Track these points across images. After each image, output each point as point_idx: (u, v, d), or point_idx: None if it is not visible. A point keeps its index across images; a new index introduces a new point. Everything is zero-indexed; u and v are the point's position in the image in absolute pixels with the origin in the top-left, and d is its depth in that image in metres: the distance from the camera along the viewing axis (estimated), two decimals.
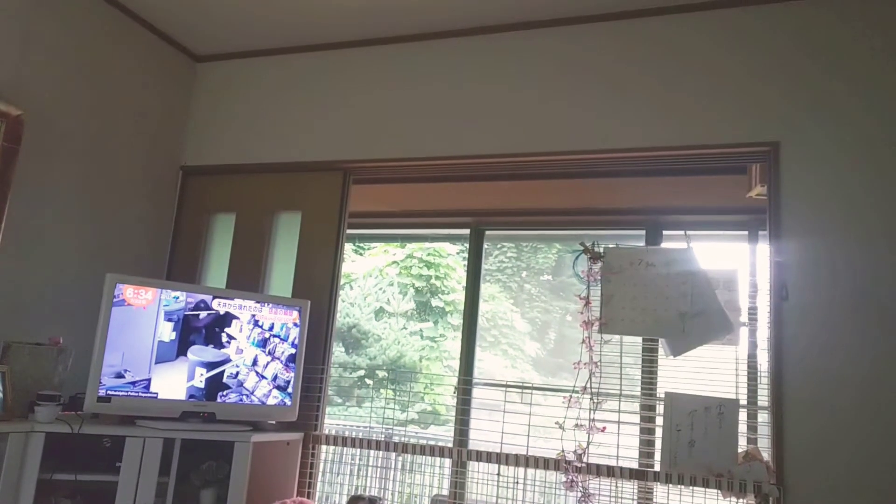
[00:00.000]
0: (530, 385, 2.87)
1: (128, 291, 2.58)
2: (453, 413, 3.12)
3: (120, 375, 2.53)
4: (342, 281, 3.28)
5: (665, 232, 3.21)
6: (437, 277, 6.71)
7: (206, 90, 3.57)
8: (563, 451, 2.60)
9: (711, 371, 2.56)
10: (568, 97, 2.88)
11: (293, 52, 3.40)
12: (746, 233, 3.14)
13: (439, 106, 3.08)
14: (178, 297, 2.68)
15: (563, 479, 2.58)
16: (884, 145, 2.43)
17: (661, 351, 2.70)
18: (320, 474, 3.10)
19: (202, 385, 2.67)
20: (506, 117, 2.95)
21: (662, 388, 2.66)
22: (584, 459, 2.57)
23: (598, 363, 2.65)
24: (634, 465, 2.60)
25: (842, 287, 2.38)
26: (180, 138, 3.52)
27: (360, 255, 7.01)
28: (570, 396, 2.65)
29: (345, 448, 3.17)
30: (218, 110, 3.52)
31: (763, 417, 2.54)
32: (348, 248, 6.20)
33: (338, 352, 6.41)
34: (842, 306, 2.37)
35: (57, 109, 2.86)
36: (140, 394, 2.56)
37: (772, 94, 2.59)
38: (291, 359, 2.85)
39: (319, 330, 3.02)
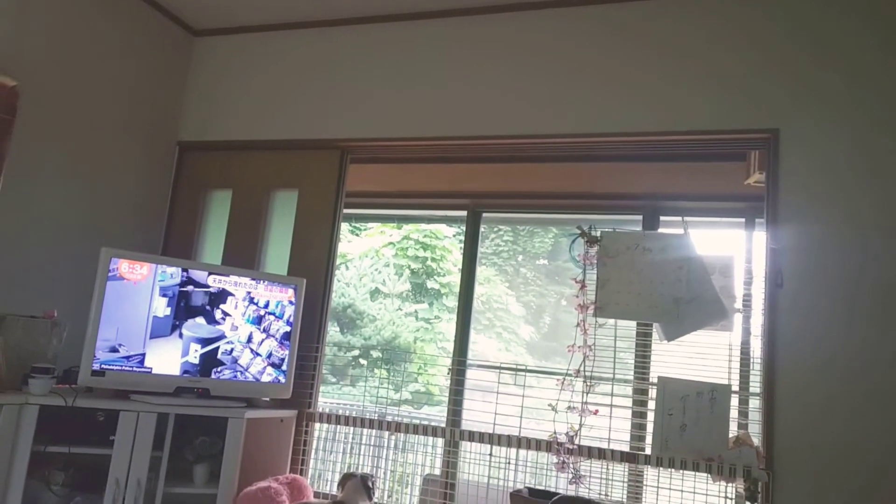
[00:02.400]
0: (524, 367, 2.88)
1: (123, 266, 2.57)
2: (446, 394, 3.13)
3: (114, 349, 2.53)
4: (338, 261, 3.27)
5: (662, 217, 3.21)
6: (433, 259, 6.71)
7: (204, 65, 3.54)
8: (555, 432, 2.62)
9: (704, 357, 2.57)
10: (568, 80, 2.86)
11: (292, 28, 3.37)
12: (743, 220, 3.14)
13: (438, 86, 3.06)
14: (173, 273, 2.67)
15: (555, 460, 2.60)
16: (879, 136, 2.42)
17: (654, 335, 2.71)
18: (313, 452, 3.12)
19: (196, 361, 2.67)
20: (505, 99, 2.93)
21: (655, 372, 2.67)
22: (576, 441, 2.59)
23: (592, 347, 2.66)
24: (626, 448, 2.62)
25: (835, 275, 2.39)
26: (177, 113, 3.49)
27: (357, 235, 7.00)
28: (563, 379, 2.66)
29: (338, 426, 3.19)
30: (215, 86, 3.49)
31: (754, 403, 2.56)
32: (344, 227, 6.18)
33: (332, 331, 6.42)
34: (835, 294, 2.38)
35: (52, 81, 2.83)
36: (134, 368, 2.56)
37: (772, 81, 2.58)
38: (286, 337, 2.85)
39: (314, 308, 3.02)
